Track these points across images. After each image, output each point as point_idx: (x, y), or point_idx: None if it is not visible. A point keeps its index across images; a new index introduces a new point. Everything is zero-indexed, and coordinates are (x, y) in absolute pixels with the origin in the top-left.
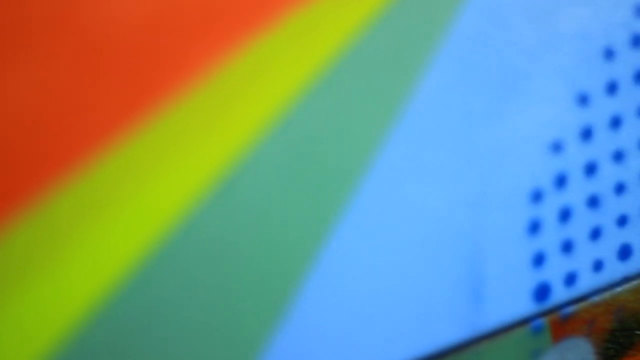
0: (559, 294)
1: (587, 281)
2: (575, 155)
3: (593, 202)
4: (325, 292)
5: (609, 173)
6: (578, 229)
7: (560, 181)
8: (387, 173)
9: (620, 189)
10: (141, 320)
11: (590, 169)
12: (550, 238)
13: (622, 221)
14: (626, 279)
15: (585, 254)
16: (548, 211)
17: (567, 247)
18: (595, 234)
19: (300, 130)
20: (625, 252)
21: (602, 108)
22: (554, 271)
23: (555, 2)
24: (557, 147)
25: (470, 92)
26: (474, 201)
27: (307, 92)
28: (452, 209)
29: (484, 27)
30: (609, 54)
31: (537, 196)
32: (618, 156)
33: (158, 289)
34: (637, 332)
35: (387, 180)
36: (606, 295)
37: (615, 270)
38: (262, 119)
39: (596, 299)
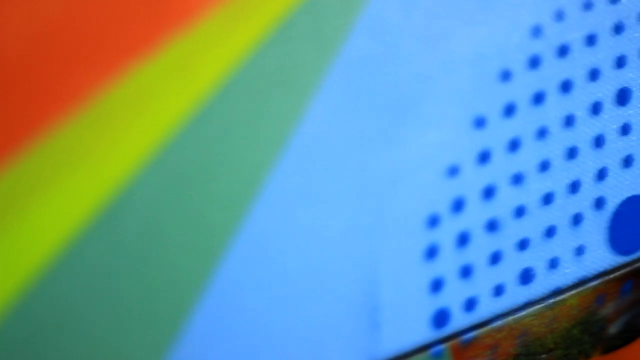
0: (459, 319)
1: (487, 306)
2: (473, 179)
3: (492, 226)
4: (216, 321)
5: (508, 196)
6: (477, 254)
7: (458, 206)
8: (277, 199)
9: (520, 212)
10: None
11: (489, 193)
12: (448, 263)
13: (523, 245)
14: (529, 303)
15: (485, 278)
16: (445, 236)
17: (466, 272)
18: (495, 258)
19: (187, 155)
20: (526, 276)
21: (500, 131)
22: (453, 297)
23: (448, 24)
24: (453, 171)
25: (363, 116)
26: (368, 227)
27: (193, 117)
28: (346, 234)
29: (374, 50)
30: (505, 76)
31: (433, 221)
32: (517, 179)
33: (40, 320)
34: (543, 356)
35: (278, 206)
36: (509, 319)
37: (517, 294)
38: (147, 144)
39: (498, 323)
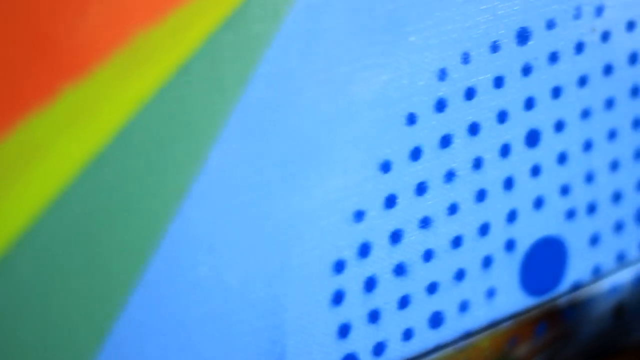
0: None
1: (397, 350)
2: (380, 224)
3: (400, 270)
4: None
5: (416, 240)
6: (385, 298)
7: (364, 250)
8: (178, 247)
9: (428, 256)
10: None
11: (396, 237)
12: (355, 308)
13: (432, 288)
14: (439, 347)
15: (394, 323)
16: (352, 281)
17: (374, 316)
18: (404, 302)
19: (85, 204)
20: (436, 320)
21: (407, 174)
22: (361, 342)
23: (351, 69)
24: (359, 216)
25: (265, 162)
26: (273, 274)
27: (90, 166)
28: (250, 282)
29: (275, 95)
30: (411, 119)
31: (340, 266)
32: (425, 223)
33: None
34: None
35: (179, 254)
36: None
37: (426, 338)
38: (44, 194)
39: None
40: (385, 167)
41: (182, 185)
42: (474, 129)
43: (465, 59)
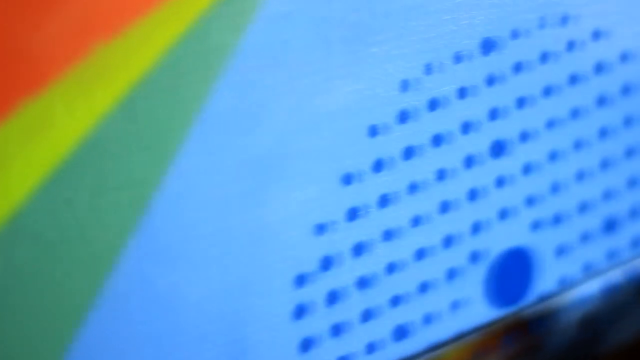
0: None
1: None
2: (343, 236)
3: (364, 283)
4: None
5: (380, 252)
6: (349, 311)
7: (327, 263)
8: (137, 263)
9: (393, 268)
10: None
11: (359, 250)
12: (318, 322)
13: (397, 301)
14: None
15: (358, 336)
16: (315, 295)
17: (338, 330)
18: (368, 315)
19: (43, 222)
20: (401, 332)
21: (371, 186)
22: (325, 355)
23: (315, 80)
24: (322, 229)
25: (227, 176)
26: (234, 288)
27: (48, 182)
28: (211, 297)
29: (238, 108)
30: (375, 130)
31: (302, 280)
32: (389, 235)
33: None
34: None
35: (140, 269)
36: None
37: (391, 351)
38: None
39: None
40: (349, 179)
41: (142, 199)
42: (438, 140)
43: (429, 69)
